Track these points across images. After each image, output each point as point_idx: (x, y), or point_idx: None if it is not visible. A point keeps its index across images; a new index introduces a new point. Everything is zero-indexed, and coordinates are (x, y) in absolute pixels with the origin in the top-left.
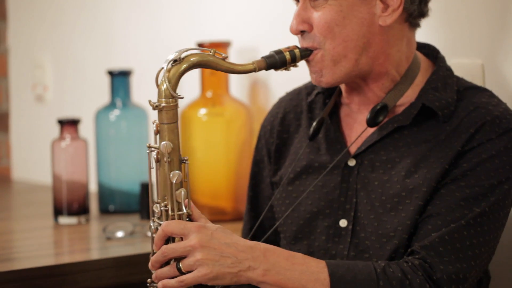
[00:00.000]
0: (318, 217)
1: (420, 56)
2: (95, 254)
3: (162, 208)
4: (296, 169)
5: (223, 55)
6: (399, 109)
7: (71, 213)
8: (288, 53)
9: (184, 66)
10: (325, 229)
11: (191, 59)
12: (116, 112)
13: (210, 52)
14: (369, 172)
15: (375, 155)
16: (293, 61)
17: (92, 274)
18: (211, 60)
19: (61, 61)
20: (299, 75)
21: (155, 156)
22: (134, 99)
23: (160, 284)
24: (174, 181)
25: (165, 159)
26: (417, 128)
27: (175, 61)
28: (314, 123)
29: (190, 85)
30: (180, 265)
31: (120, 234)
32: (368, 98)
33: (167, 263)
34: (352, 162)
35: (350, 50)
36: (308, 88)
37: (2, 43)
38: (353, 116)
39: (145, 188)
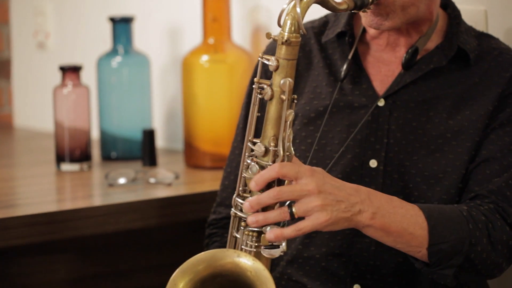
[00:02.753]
0: (346, 157)
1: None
2: (97, 200)
3: (271, 148)
4: (318, 108)
5: None
6: (422, 53)
7: (73, 160)
8: None
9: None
10: (354, 168)
11: None
12: (118, 59)
13: None
14: (404, 113)
15: (408, 96)
16: (372, 3)
17: (94, 221)
18: None
19: (62, 8)
20: None
21: (269, 93)
22: (136, 45)
23: (271, 233)
24: (289, 120)
25: (283, 97)
26: (447, 70)
27: None
28: (345, 65)
29: (192, 32)
30: (294, 210)
31: (122, 180)
32: (399, 40)
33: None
34: (381, 102)
35: None
36: (316, 28)
37: None
38: (375, 55)
39: (147, 134)
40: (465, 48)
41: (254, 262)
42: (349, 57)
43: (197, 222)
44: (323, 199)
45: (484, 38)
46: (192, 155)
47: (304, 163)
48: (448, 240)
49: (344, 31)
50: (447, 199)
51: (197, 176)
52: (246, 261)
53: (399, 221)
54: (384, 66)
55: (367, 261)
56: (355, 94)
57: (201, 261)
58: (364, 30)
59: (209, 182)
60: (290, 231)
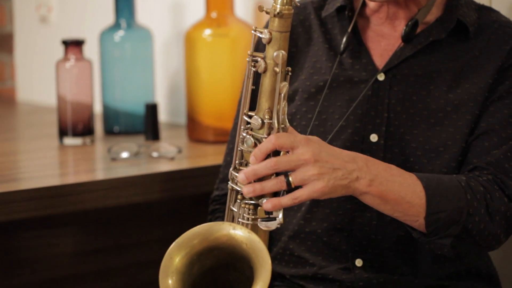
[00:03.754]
0: (347, 131)
1: None
2: (99, 174)
3: (266, 121)
4: (317, 83)
5: None
6: (422, 26)
7: (76, 134)
8: None
9: None
10: (355, 143)
11: None
12: (120, 33)
13: None
14: (404, 87)
15: (408, 70)
16: None
17: (97, 195)
18: None
19: None
20: None
21: (263, 66)
22: (138, 20)
23: (268, 202)
24: (283, 93)
25: (277, 69)
26: (447, 43)
27: None
28: (345, 38)
29: (195, 6)
30: (290, 179)
31: (125, 154)
32: (399, 13)
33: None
34: (381, 77)
35: None
36: (315, 3)
37: None
38: (375, 30)
39: (150, 108)
40: (464, 21)
41: (249, 234)
42: (349, 30)
43: (200, 196)
44: (320, 168)
45: (484, 11)
46: (194, 129)
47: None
48: (445, 209)
49: (343, 5)
50: (447, 172)
51: (199, 150)
52: (241, 234)
53: (397, 189)
54: (384, 40)
55: (368, 235)
56: (355, 69)
57: (196, 234)
58: (364, 4)
59: (212, 156)
60: (287, 199)
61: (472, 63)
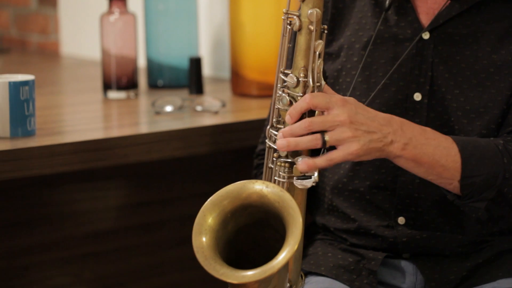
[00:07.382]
0: (390, 89)
1: None
2: (144, 128)
3: (301, 79)
4: (362, 39)
5: None
6: None
7: (120, 87)
8: None
9: None
10: (399, 102)
11: None
12: None
13: None
14: (448, 46)
15: (453, 29)
16: None
17: (141, 148)
18: None
19: None
20: None
21: (298, 24)
22: None
23: (303, 163)
24: (318, 51)
25: (311, 28)
26: (493, 3)
27: None
28: None
29: None
30: (326, 137)
31: (169, 108)
32: None
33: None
34: (426, 35)
35: None
36: None
37: None
38: None
39: (194, 62)
40: None
41: (281, 192)
42: None
43: (243, 150)
44: (355, 130)
45: None
46: (238, 83)
47: (350, 94)
48: (481, 173)
49: None
50: (486, 134)
51: (243, 104)
52: (273, 192)
53: (431, 153)
54: None
55: (411, 193)
56: (401, 26)
57: (229, 192)
58: None
59: (256, 110)
60: (322, 160)
61: None
